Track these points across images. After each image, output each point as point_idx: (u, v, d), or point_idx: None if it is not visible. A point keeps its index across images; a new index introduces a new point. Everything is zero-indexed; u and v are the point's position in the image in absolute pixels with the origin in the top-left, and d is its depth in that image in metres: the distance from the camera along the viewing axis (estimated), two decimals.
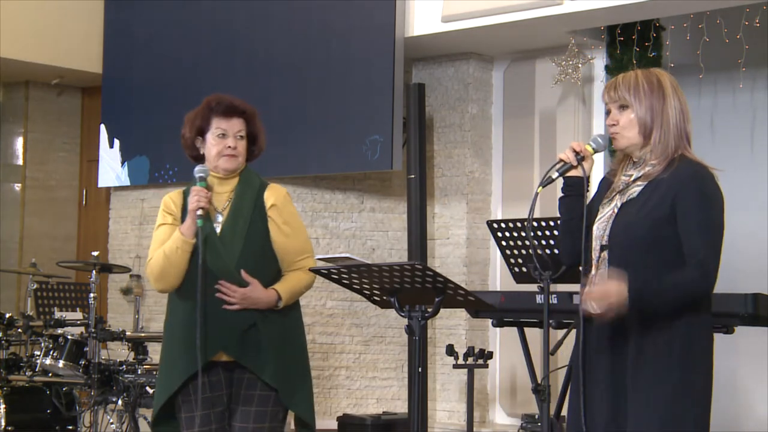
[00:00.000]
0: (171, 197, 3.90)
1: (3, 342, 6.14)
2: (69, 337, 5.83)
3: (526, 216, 4.41)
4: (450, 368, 6.87)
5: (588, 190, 3.22)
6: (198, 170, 3.80)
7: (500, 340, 7.27)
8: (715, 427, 6.85)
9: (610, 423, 3.05)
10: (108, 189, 8.81)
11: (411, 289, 3.39)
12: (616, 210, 3.12)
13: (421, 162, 7.11)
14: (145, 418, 6.09)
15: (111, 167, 8.56)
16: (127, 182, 8.46)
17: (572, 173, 3.22)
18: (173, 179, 8.12)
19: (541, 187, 3.19)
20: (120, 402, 5.66)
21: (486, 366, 6.24)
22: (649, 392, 3.00)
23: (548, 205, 4.02)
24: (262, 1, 7.67)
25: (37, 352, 6.03)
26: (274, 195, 3.83)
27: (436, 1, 6.95)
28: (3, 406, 5.92)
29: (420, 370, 3.50)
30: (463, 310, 6.68)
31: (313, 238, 7.51)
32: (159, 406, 3.79)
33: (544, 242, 4.48)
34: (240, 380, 3.77)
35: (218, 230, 3.78)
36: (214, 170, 3.84)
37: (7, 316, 6.17)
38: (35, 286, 6.75)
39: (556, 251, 4.42)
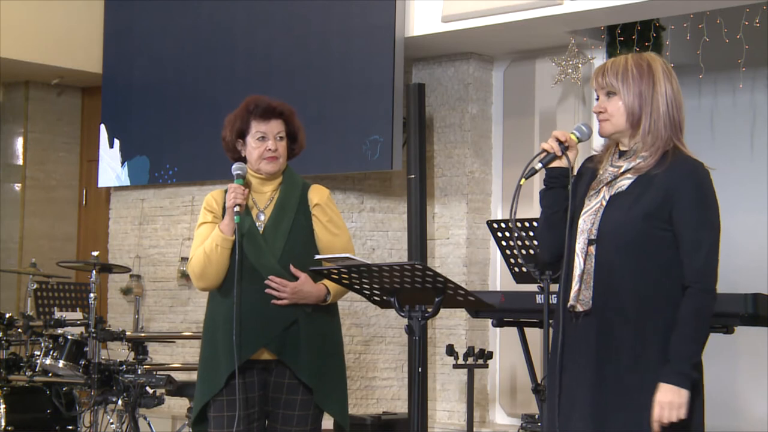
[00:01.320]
0: (213, 195, 3.96)
1: (3, 342, 6.14)
2: (69, 337, 5.82)
3: (526, 216, 4.43)
4: (450, 368, 6.87)
5: (572, 182, 3.10)
6: (235, 168, 3.86)
7: (500, 340, 7.27)
8: (715, 427, 6.85)
9: (592, 425, 2.95)
10: (108, 189, 8.81)
11: (411, 289, 3.39)
12: (604, 203, 2.98)
13: (421, 162, 7.11)
14: (145, 418, 6.10)
15: (111, 167, 8.56)
16: (127, 182, 8.46)
17: (555, 164, 3.10)
18: (173, 179, 8.12)
19: (524, 179, 3.06)
20: (120, 402, 5.66)
21: (486, 366, 6.24)
22: (643, 398, 2.91)
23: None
24: (262, 1, 7.67)
25: (37, 352, 6.03)
26: (318, 194, 3.90)
27: (436, 1, 6.95)
28: (3, 406, 5.92)
29: (420, 370, 3.49)
30: (463, 310, 6.68)
31: None
32: (201, 405, 3.81)
33: (536, 242, 4.48)
34: (280, 384, 3.80)
35: (261, 228, 3.82)
36: (256, 172, 3.89)
37: (7, 316, 6.17)
38: (35, 286, 6.75)
39: None
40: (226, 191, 3.86)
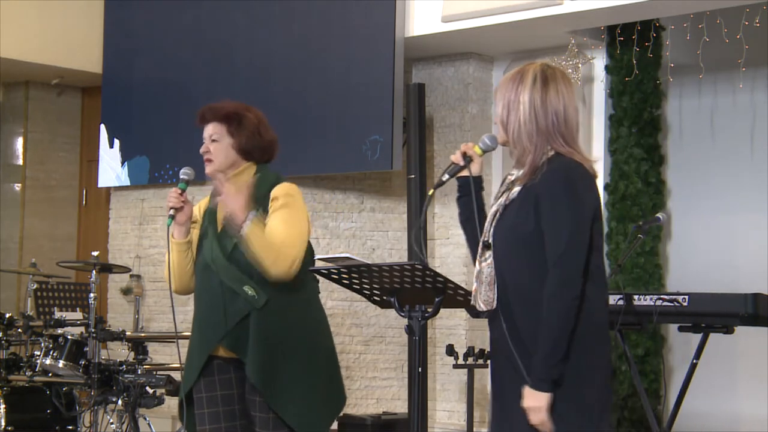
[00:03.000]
0: (199, 204, 4.00)
1: (3, 342, 6.14)
2: (69, 337, 5.82)
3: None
4: (450, 368, 6.87)
5: (482, 189, 3.23)
6: (182, 172, 3.91)
7: None
8: (715, 427, 6.86)
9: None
10: (108, 189, 8.81)
11: (411, 289, 3.39)
12: (500, 209, 3.07)
13: (421, 162, 7.11)
14: (145, 418, 6.10)
15: (111, 167, 8.56)
16: (127, 182, 8.46)
17: (464, 173, 3.23)
18: (173, 179, 8.12)
19: (433, 190, 3.27)
20: (120, 402, 5.66)
21: (486, 366, 6.24)
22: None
23: None
24: (262, 1, 7.67)
25: (37, 352, 6.03)
26: (280, 189, 3.83)
27: (436, 1, 6.95)
28: (3, 406, 5.92)
29: (420, 370, 3.49)
30: (463, 310, 6.68)
31: (313, 238, 7.49)
32: (180, 401, 3.85)
33: None
34: (253, 386, 3.75)
35: (219, 227, 3.83)
36: None
37: (7, 316, 6.17)
38: (35, 286, 6.74)
39: None
40: (211, 196, 3.92)
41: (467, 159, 3.23)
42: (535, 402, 2.92)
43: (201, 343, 3.77)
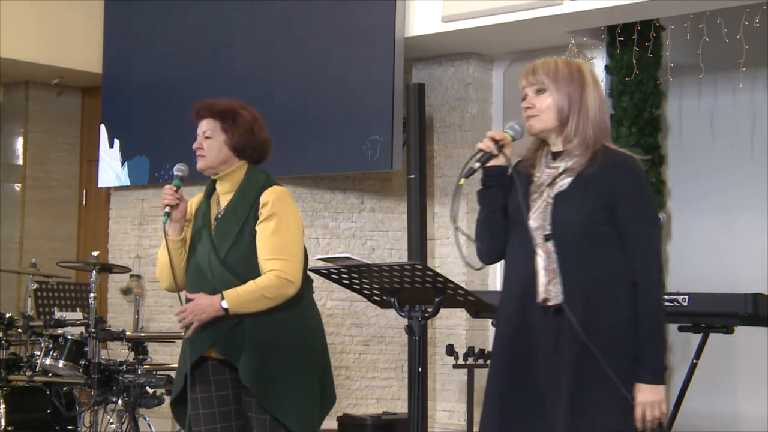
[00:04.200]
0: (191, 201, 3.98)
1: (3, 342, 6.14)
2: (69, 337, 5.82)
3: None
4: (450, 368, 6.87)
5: (515, 177, 3.14)
6: (175, 168, 3.94)
7: None
8: (715, 427, 6.86)
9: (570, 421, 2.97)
10: (108, 189, 8.81)
11: (411, 289, 3.39)
12: (550, 200, 3.04)
13: (421, 162, 7.11)
14: (145, 418, 6.10)
15: (111, 167, 8.56)
16: (127, 182, 8.46)
17: (492, 163, 3.15)
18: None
19: (463, 179, 3.10)
20: (120, 402, 5.65)
21: (486, 366, 6.24)
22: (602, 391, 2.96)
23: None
24: (262, 1, 7.67)
25: (37, 352, 6.02)
26: (269, 194, 3.78)
27: (436, 1, 6.95)
28: (3, 406, 5.91)
29: (420, 370, 3.49)
30: (463, 310, 6.68)
31: (313, 238, 7.52)
32: (171, 400, 3.87)
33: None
34: (248, 389, 3.75)
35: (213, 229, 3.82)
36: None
37: (7, 316, 6.17)
38: (35, 286, 6.74)
39: None
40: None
41: (499, 146, 3.15)
42: (655, 395, 2.94)
43: (194, 345, 3.73)
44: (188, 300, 3.73)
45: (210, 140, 3.86)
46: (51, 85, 9.18)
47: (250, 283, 3.66)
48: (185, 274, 3.86)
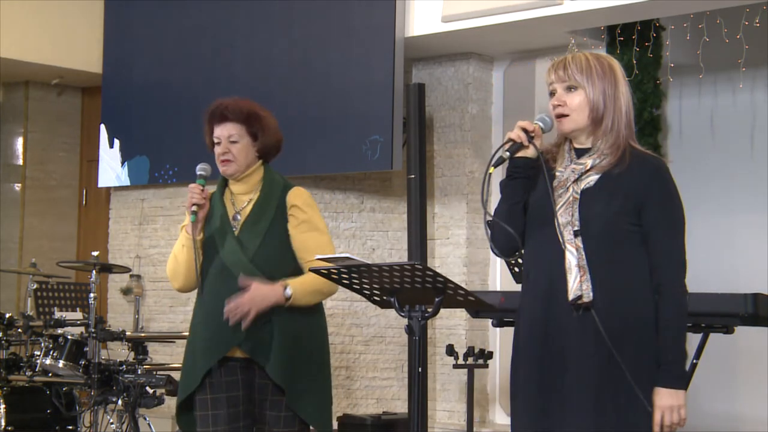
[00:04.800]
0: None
1: (3, 342, 6.14)
2: (69, 337, 5.82)
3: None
4: (450, 368, 6.86)
5: (543, 169, 3.06)
6: (199, 168, 3.88)
7: (500, 340, 7.27)
8: (715, 427, 6.85)
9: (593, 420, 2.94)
10: (108, 189, 8.81)
11: (411, 289, 3.38)
12: (576, 196, 2.99)
13: (421, 162, 7.11)
14: (145, 418, 6.10)
15: (111, 167, 8.56)
16: (127, 182, 8.46)
17: (521, 153, 3.07)
18: (173, 179, 8.12)
19: (492, 168, 3.00)
20: (120, 402, 5.65)
21: (486, 366, 6.25)
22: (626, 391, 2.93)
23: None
24: (262, 1, 7.67)
25: (37, 352, 6.02)
26: (296, 196, 3.87)
27: (436, 1, 6.95)
28: (3, 406, 5.91)
29: (420, 370, 3.48)
30: (463, 310, 6.68)
31: None
32: (179, 403, 3.84)
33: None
34: (265, 386, 3.79)
35: (237, 229, 3.82)
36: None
37: (7, 316, 6.17)
38: (35, 286, 6.74)
39: None
40: (212, 193, 3.90)
41: (530, 137, 3.05)
42: (675, 400, 2.91)
43: (214, 344, 3.74)
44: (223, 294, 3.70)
45: (236, 144, 3.86)
46: (51, 85, 9.18)
47: (310, 275, 3.70)
48: (199, 275, 3.82)
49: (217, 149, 3.86)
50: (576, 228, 2.97)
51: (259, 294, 3.69)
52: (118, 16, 8.61)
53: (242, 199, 3.89)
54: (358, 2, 7.21)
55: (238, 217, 3.85)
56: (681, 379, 2.94)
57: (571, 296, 2.95)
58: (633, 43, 6.60)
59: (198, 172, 3.85)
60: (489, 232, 3.13)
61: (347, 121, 7.16)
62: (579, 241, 2.95)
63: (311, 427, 3.86)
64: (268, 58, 7.61)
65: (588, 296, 2.93)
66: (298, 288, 3.73)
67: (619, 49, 6.73)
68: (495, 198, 3.15)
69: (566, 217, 2.99)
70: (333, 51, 7.29)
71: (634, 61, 6.60)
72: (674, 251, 2.98)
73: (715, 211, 6.74)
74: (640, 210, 2.97)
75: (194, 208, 3.76)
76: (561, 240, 2.97)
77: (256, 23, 7.69)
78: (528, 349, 3.06)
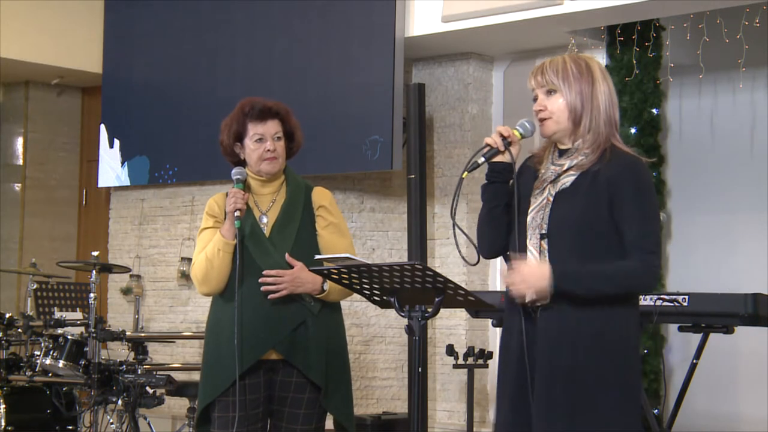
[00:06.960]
0: (215, 199, 3.97)
1: (3, 342, 6.14)
2: (69, 337, 5.82)
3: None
4: (450, 368, 6.87)
5: (514, 176, 3.13)
6: (235, 172, 3.88)
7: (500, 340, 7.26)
8: (715, 427, 6.85)
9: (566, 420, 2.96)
10: (108, 189, 8.81)
11: (411, 289, 3.38)
12: (550, 198, 3.03)
13: (421, 162, 7.11)
14: (145, 418, 6.10)
15: (111, 167, 8.56)
16: (127, 182, 8.46)
17: (498, 159, 3.13)
18: (173, 179, 8.12)
19: (466, 173, 3.09)
20: (120, 402, 5.65)
21: (486, 366, 6.25)
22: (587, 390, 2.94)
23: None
24: (262, 1, 7.67)
25: (37, 352, 6.03)
26: (322, 196, 3.95)
27: (436, 1, 6.95)
28: (3, 406, 5.92)
29: (420, 370, 3.49)
30: (463, 310, 6.68)
31: None
32: (203, 406, 3.83)
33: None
34: (287, 383, 3.83)
35: (266, 230, 3.84)
36: (256, 174, 3.91)
37: (7, 316, 6.17)
38: (35, 286, 6.74)
39: None
40: (227, 194, 3.88)
41: (507, 143, 3.12)
42: (538, 280, 2.92)
43: (251, 347, 3.75)
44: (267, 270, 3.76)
45: (280, 142, 3.90)
46: (51, 85, 9.18)
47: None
48: (227, 277, 3.83)
49: (263, 146, 3.85)
50: (543, 231, 3.01)
51: (300, 277, 3.77)
52: (118, 16, 8.61)
53: (266, 200, 3.91)
54: (358, 2, 7.21)
55: (265, 219, 3.88)
56: (565, 280, 2.91)
57: (526, 298, 3.00)
58: (633, 43, 6.60)
59: (235, 177, 3.86)
60: (456, 238, 3.15)
61: (347, 121, 7.16)
62: (545, 243, 3.00)
63: (333, 426, 3.90)
64: (268, 58, 7.61)
65: (544, 299, 2.98)
66: (332, 284, 3.79)
67: (619, 49, 6.73)
68: (471, 208, 3.18)
69: (536, 220, 3.04)
70: (333, 51, 7.29)
71: (634, 61, 6.60)
72: (647, 242, 2.96)
73: (715, 210, 6.75)
74: (611, 204, 2.98)
75: (237, 213, 3.77)
76: (526, 242, 3.03)
77: (256, 23, 7.69)
78: (504, 352, 3.15)
